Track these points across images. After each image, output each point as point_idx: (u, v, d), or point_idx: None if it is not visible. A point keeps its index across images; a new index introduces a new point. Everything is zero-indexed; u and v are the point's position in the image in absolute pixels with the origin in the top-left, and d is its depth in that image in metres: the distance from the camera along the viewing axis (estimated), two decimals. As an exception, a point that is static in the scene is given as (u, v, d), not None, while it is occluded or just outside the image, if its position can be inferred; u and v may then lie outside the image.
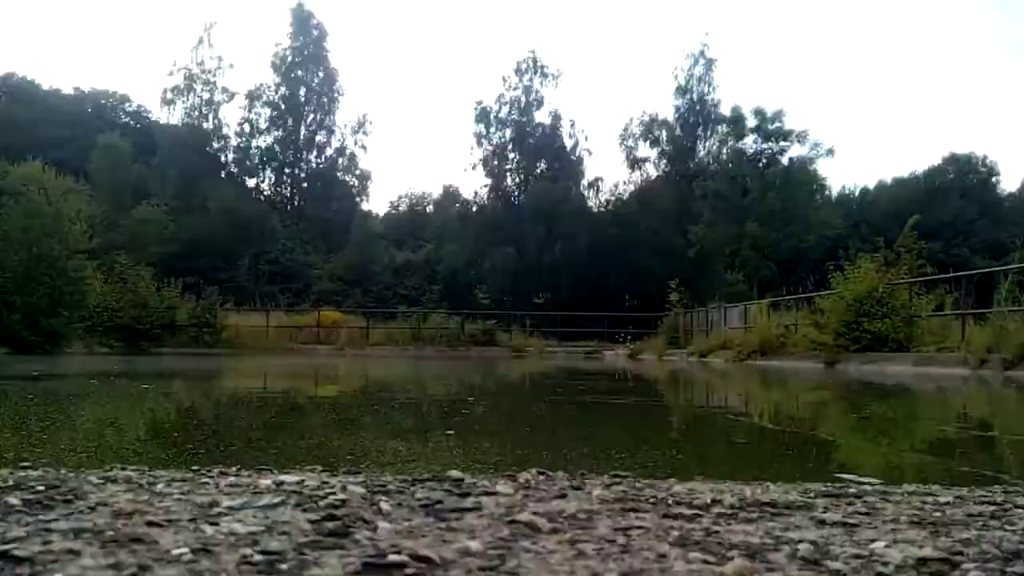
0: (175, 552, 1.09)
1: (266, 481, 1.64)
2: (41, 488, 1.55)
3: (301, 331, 35.28)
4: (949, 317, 16.56)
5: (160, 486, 1.60)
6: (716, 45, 79.37)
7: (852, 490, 1.64)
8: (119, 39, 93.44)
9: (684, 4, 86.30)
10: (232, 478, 1.72)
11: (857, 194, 56.61)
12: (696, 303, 31.82)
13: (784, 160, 40.76)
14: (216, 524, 1.26)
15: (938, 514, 1.45)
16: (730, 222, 40.52)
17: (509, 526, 1.31)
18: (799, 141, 40.51)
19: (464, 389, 9.77)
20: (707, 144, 49.63)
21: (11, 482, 1.64)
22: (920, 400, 8.59)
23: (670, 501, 1.52)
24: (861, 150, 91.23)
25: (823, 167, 42.27)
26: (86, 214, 31.90)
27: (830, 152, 40.39)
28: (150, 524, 1.25)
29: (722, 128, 44.32)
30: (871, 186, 57.31)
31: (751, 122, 40.81)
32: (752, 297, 30.82)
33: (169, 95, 51.62)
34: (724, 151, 43.20)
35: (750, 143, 41.08)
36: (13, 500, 1.44)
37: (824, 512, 1.44)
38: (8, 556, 1.06)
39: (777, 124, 40.25)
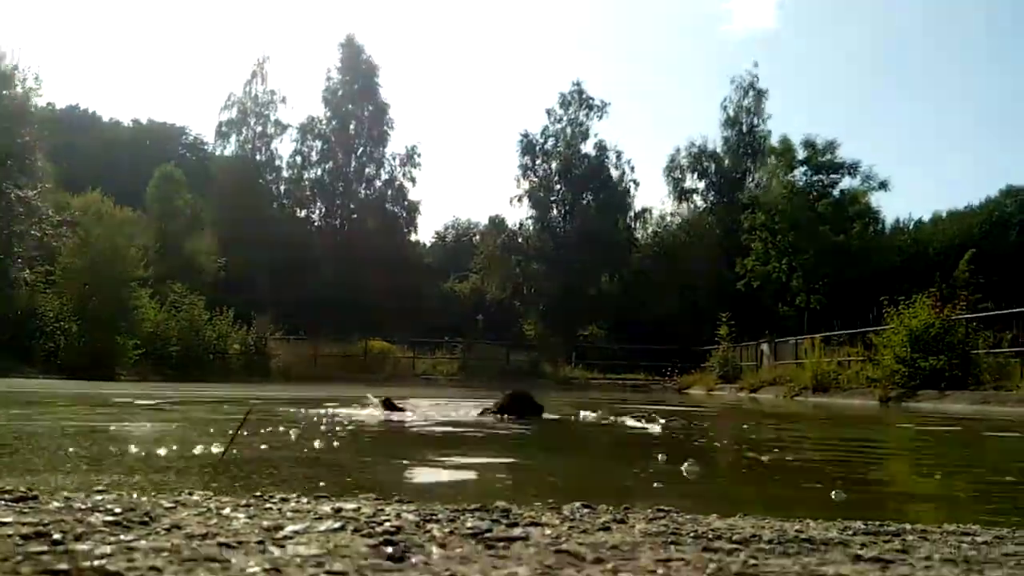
0: (248, 571, 1.19)
1: (325, 507, 1.74)
2: (118, 510, 1.66)
3: (348, 360, 35.70)
4: (1007, 354, 16.17)
5: (227, 510, 1.70)
6: (767, 75, 79.05)
7: (891, 528, 1.67)
8: (178, 73, 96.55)
9: (734, 35, 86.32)
10: (294, 503, 1.82)
11: (911, 227, 55.52)
12: (745, 336, 31.41)
13: (836, 192, 40.04)
14: (283, 547, 1.35)
15: (973, 553, 1.47)
16: (780, 255, 39.99)
17: (555, 555, 1.38)
18: (850, 174, 39.81)
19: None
20: (756, 175, 49.20)
21: (89, 504, 1.76)
22: (975, 440, 8.38)
23: (710, 535, 1.57)
24: (915, 182, 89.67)
25: (876, 199, 41.15)
26: (141, 243, 32.87)
27: (883, 186, 39.48)
28: (222, 545, 1.35)
29: (772, 160, 43.84)
30: (926, 218, 56.21)
31: (801, 154, 40.24)
32: (802, 331, 30.31)
33: (224, 128, 53.06)
34: (773, 183, 42.68)
35: (799, 175, 40.49)
36: (94, 520, 1.55)
37: (861, 548, 1.47)
38: (101, 571, 1.16)
39: (828, 156, 39.62)
